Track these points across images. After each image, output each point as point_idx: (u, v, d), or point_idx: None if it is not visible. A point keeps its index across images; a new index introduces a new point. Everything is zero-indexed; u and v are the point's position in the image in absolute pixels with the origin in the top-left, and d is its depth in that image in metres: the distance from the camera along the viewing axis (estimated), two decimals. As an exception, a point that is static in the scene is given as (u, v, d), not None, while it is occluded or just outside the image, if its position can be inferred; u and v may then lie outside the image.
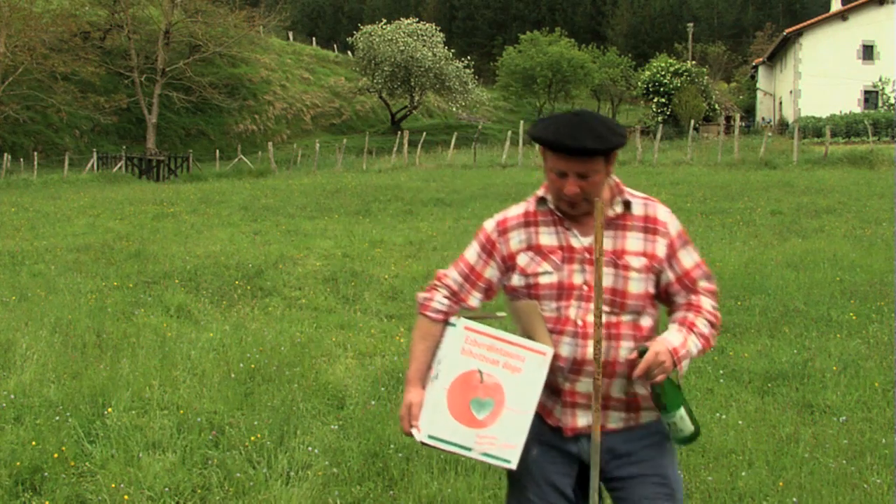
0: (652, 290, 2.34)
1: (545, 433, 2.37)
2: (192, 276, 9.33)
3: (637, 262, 2.30)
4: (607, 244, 2.29)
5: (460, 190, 18.89)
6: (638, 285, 2.30)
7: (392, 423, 4.63)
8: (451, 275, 2.45)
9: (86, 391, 4.97)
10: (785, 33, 47.02)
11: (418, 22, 56.29)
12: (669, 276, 2.35)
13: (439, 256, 10.77)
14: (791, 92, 45.80)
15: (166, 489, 3.81)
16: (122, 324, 7.02)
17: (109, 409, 4.69)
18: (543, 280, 2.31)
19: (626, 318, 2.31)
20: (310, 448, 4.29)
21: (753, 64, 58.47)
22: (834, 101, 41.88)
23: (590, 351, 2.27)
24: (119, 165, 35.73)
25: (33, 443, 4.17)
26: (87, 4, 46.66)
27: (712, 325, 2.34)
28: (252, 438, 4.35)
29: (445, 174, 24.44)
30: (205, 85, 46.34)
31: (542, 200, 2.41)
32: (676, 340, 2.25)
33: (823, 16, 47.44)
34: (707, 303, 2.36)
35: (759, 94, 54.61)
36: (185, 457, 4.19)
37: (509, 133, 32.59)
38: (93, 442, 4.34)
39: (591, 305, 2.27)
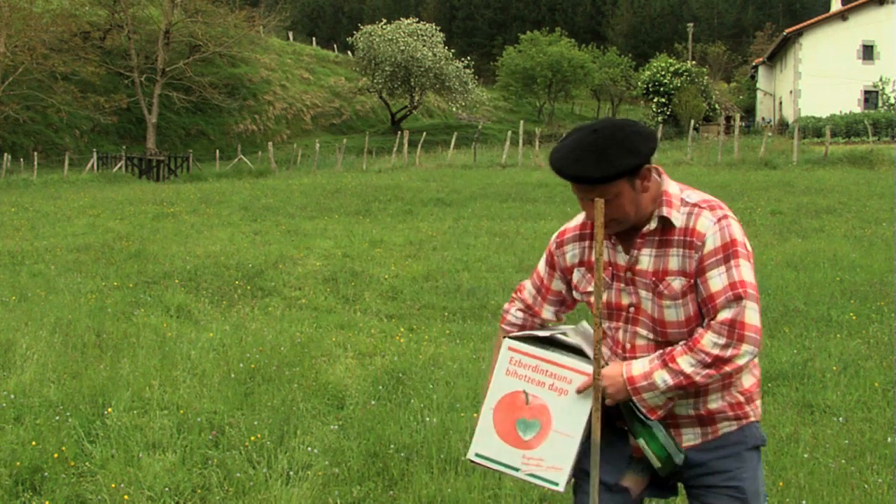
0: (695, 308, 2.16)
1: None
2: (192, 276, 9.33)
3: (678, 283, 2.12)
4: (649, 264, 2.15)
5: (460, 190, 18.89)
6: (675, 312, 2.14)
7: (392, 423, 4.63)
8: (527, 287, 2.44)
9: (86, 391, 4.97)
10: (785, 33, 47.02)
11: (418, 22, 56.29)
12: (699, 294, 2.12)
13: (439, 256, 10.77)
14: (791, 92, 45.81)
15: (166, 489, 3.81)
16: (122, 324, 7.01)
17: (109, 409, 4.69)
18: (594, 299, 2.24)
19: (674, 343, 2.19)
20: (310, 448, 4.29)
21: (753, 64, 58.47)
22: (834, 101, 41.88)
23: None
24: (119, 165, 35.72)
25: (33, 443, 4.17)
26: (87, 4, 46.64)
27: (708, 364, 2.06)
28: (252, 438, 4.35)
29: (445, 174, 24.44)
30: (205, 85, 46.32)
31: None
32: (637, 370, 2.12)
33: (823, 16, 47.45)
34: (709, 340, 2.06)
35: (759, 94, 54.62)
36: (185, 457, 4.19)
37: (509, 133, 32.59)
38: (93, 442, 4.34)
39: (639, 329, 2.20)
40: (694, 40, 57.87)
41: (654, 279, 2.15)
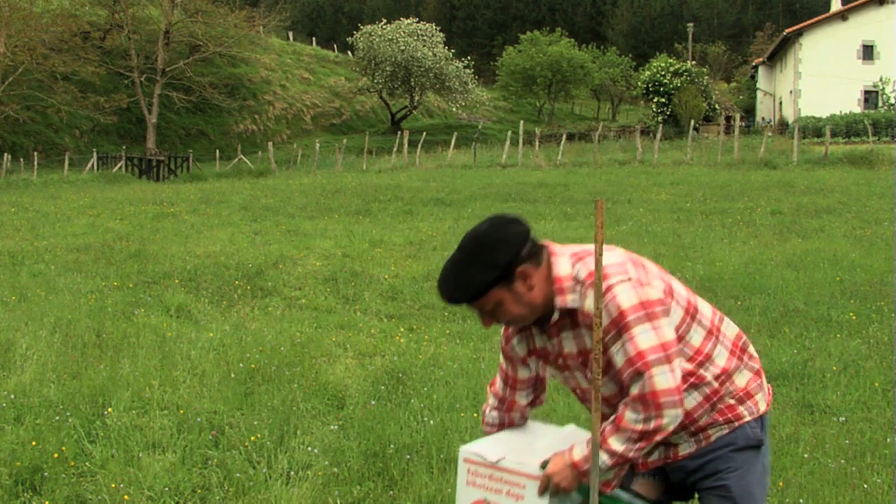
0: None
1: None
2: (192, 276, 9.33)
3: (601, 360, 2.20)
4: (571, 347, 2.22)
5: (460, 190, 18.88)
6: (609, 387, 2.21)
7: (392, 423, 4.63)
8: (497, 382, 2.48)
9: (86, 391, 4.97)
10: (785, 33, 47.03)
11: (418, 22, 56.30)
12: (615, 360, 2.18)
13: (439, 256, 10.77)
14: (791, 92, 45.81)
15: (166, 489, 3.81)
16: (122, 324, 7.01)
17: (109, 409, 4.69)
18: (561, 383, 2.35)
19: (607, 388, 2.26)
20: (310, 448, 4.29)
21: (753, 64, 58.48)
22: (834, 101, 41.89)
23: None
24: (119, 165, 35.71)
25: (33, 443, 4.17)
26: (87, 4, 46.65)
27: (636, 439, 2.10)
28: (252, 438, 4.35)
29: (445, 174, 24.44)
30: (205, 85, 46.33)
31: None
32: (578, 454, 2.14)
33: (823, 16, 47.46)
34: (629, 417, 2.09)
35: (759, 94, 54.62)
36: (185, 457, 4.19)
37: (509, 133, 32.58)
38: (93, 442, 4.34)
39: (593, 404, 2.22)
40: (694, 40, 57.87)
41: (580, 360, 2.21)
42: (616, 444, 2.10)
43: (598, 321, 2.19)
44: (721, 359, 2.24)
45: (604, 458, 2.11)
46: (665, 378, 2.06)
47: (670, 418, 2.07)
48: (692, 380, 2.20)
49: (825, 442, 4.45)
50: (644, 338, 2.07)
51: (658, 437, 2.09)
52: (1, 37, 38.22)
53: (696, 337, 2.21)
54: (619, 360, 2.10)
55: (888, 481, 3.95)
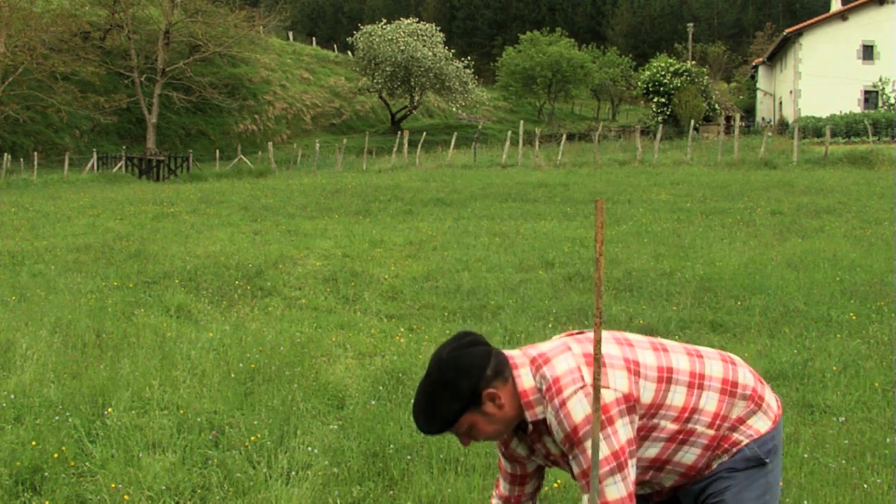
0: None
1: None
2: (192, 276, 9.33)
3: (571, 466, 2.23)
4: (555, 447, 2.26)
5: (460, 190, 18.88)
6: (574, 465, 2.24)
7: (392, 423, 4.63)
8: (501, 485, 2.51)
9: (86, 391, 4.97)
10: (785, 33, 47.02)
11: (418, 22, 56.30)
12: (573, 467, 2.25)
13: (439, 256, 10.78)
14: (791, 92, 45.81)
15: (166, 489, 3.81)
16: (122, 324, 7.01)
17: (109, 409, 4.69)
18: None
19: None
20: (310, 448, 4.29)
21: (753, 64, 58.48)
22: (834, 101, 41.88)
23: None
24: (119, 165, 35.72)
25: (33, 443, 4.17)
26: (87, 4, 46.65)
27: None
28: (252, 438, 4.35)
29: (445, 174, 24.44)
30: (205, 85, 46.33)
31: None
32: None
33: (823, 16, 47.45)
34: None
35: (759, 94, 54.62)
36: (185, 457, 4.19)
37: (509, 133, 32.58)
38: (93, 442, 4.34)
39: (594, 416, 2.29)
40: (694, 40, 57.87)
41: (565, 460, 2.25)
42: None
43: (598, 321, 2.18)
44: (711, 404, 2.27)
45: None
46: (615, 488, 2.12)
47: None
48: (681, 437, 2.25)
49: (825, 442, 4.46)
50: (590, 451, 2.11)
51: None
52: (1, 37, 38.22)
53: (678, 396, 2.24)
54: (575, 470, 2.19)
55: (888, 481, 3.95)
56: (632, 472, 2.15)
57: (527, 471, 2.44)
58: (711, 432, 2.26)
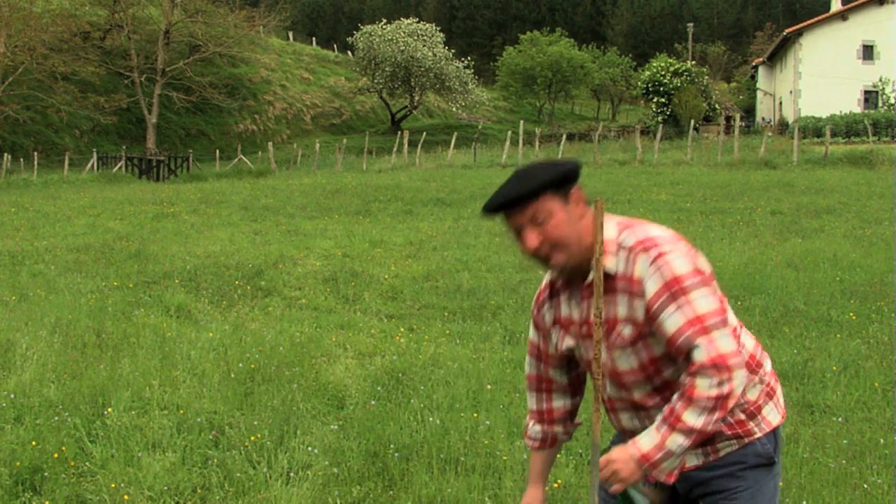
0: (658, 352, 2.07)
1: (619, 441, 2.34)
2: (192, 276, 9.33)
3: (628, 330, 2.08)
4: (606, 312, 2.11)
5: (460, 190, 18.89)
6: (626, 361, 2.11)
7: (392, 423, 4.63)
8: (527, 395, 2.43)
9: (86, 391, 4.97)
10: (785, 33, 47.02)
11: (418, 22, 56.28)
12: (661, 341, 2.05)
13: (439, 256, 10.78)
14: (791, 92, 45.81)
15: (166, 489, 3.81)
16: (122, 324, 7.01)
17: (109, 409, 4.69)
18: (577, 355, 2.25)
19: (638, 393, 2.15)
20: (310, 448, 4.29)
21: (753, 64, 58.47)
22: (834, 101, 41.87)
23: (624, 423, 2.22)
24: (119, 165, 35.71)
25: (33, 443, 4.17)
26: (87, 4, 46.64)
27: (712, 408, 1.97)
28: (252, 438, 4.35)
29: (445, 174, 24.44)
30: (205, 85, 46.33)
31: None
32: (648, 444, 2.01)
33: (823, 16, 47.44)
34: (702, 384, 1.96)
35: (759, 94, 54.62)
36: (185, 457, 4.19)
37: (509, 133, 32.58)
38: (93, 442, 4.34)
39: (606, 381, 2.18)
40: (694, 40, 57.88)
41: (605, 328, 2.11)
42: (692, 420, 1.96)
43: (599, 321, 2.18)
44: None
45: (679, 440, 1.97)
46: (727, 341, 1.97)
47: (739, 380, 1.98)
48: None
49: (825, 442, 4.46)
50: (703, 302, 1.98)
51: (731, 403, 1.98)
52: (1, 37, 38.22)
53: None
54: (671, 325, 1.98)
55: (888, 481, 3.95)
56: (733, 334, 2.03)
57: (548, 350, 2.31)
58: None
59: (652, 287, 2.00)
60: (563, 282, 2.22)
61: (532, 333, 2.37)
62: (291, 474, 4.01)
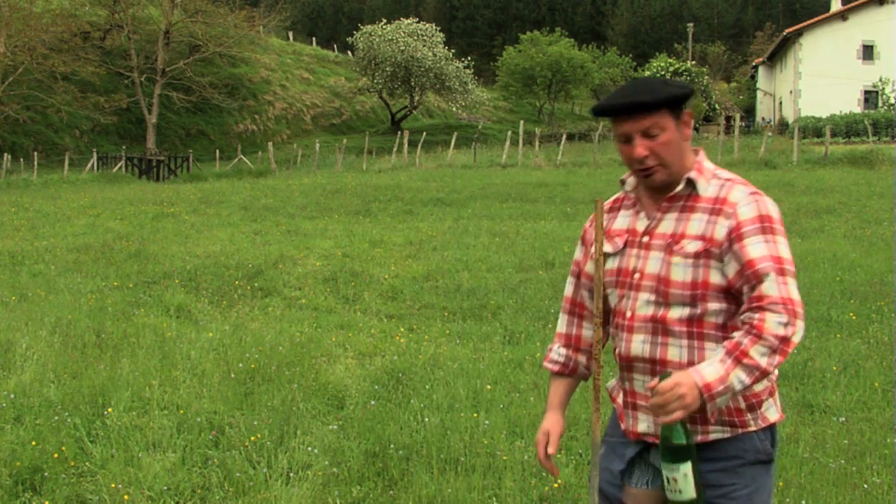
0: (715, 279, 2.05)
1: (615, 434, 2.27)
2: (192, 276, 9.33)
3: (692, 245, 2.06)
4: (668, 227, 2.12)
5: (460, 190, 18.88)
6: (682, 272, 2.07)
7: (392, 423, 4.63)
8: (559, 319, 2.41)
9: (86, 391, 4.97)
10: (785, 33, 47.03)
11: (418, 22, 56.25)
12: (732, 266, 2.02)
13: (439, 256, 10.77)
14: (791, 92, 45.81)
15: (166, 489, 3.81)
16: (121, 324, 7.01)
17: (109, 409, 4.69)
18: (607, 265, 2.20)
19: (674, 312, 2.08)
20: (310, 448, 4.29)
21: (753, 64, 58.48)
22: (834, 101, 41.88)
23: (634, 346, 2.13)
24: (119, 165, 35.71)
25: (33, 443, 4.17)
26: (87, 4, 46.64)
27: (775, 349, 1.94)
28: (252, 438, 4.35)
29: (445, 174, 24.44)
30: (205, 85, 46.31)
31: (622, 183, 2.29)
32: (713, 374, 1.93)
33: (823, 16, 47.46)
34: (772, 322, 1.93)
35: (759, 94, 54.62)
36: (185, 457, 4.19)
37: (509, 133, 32.57)
38: (93, 442, 4.34)
39: (641, 294, 2.13)
40: (694, 40, 57.88)
41: (670, 240, 2.11)
42: (758, 356, 1.92)
43: (599, 321, 2.18)
44: None
45: (742, 376, 1.92)
46: (796, 291, 1.99)
47: (801, 332, 1.97)
48: (721, 333, 2.11)
49: (825, 442, 4.46)
50: (784, 248, 2.04)
51: (789, 351, 1.97)
52: (1, 37, 38.21)
53: None
54: (755, 250, 1.99)
55: (888, 481, 3.95)
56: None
57: (585, 268, 2.31)
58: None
59: (747, 212, 2.04)
60: (633, 197, 2.26)
61: (577, 251, 2.38)
62: (291, 474, 4.01)
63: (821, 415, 4.96)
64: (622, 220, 2.25)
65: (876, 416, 4.90)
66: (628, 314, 2.15)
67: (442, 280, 9.37)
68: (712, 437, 2.11)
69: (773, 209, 2.07)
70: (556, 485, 3.86)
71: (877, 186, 17.63)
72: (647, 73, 47.33)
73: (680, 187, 2.13)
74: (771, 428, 2.17)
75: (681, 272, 2.08)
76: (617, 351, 2.20)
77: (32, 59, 38.68)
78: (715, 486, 2.09)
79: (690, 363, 2.06)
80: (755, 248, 2.00)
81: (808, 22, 47.07)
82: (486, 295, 8.58)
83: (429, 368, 5.83)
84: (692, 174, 2.13)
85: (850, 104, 42.69)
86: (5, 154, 34.88)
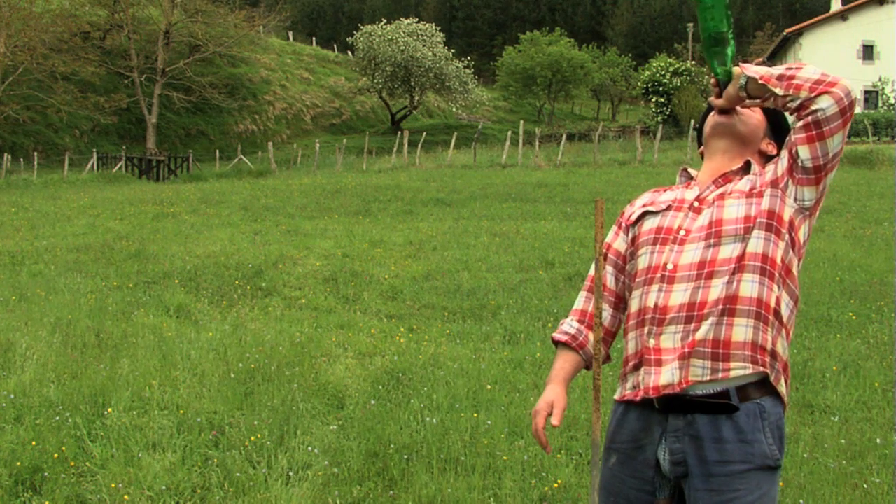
0: (765, 206, 2.12)
1: (623, 439, 2.18)
2: (192, 276, 9.33)
3: (745, 185, 2.19)
4: (717, 192, 2.21)
5: (460, 190, 18.88)
6: (736, 209, 2.13)
7: (392, 423, 4.63)
8: (578, 298, 2.40)
9: (86, 391, 4.97)
10: (785, 33, 47.05)
11: (418, 22, 56.24)
12: (783, 164, 2.18)
13: (439, 256, 10.77)
14: (791, 92, 45.75)
15: (166, 489, 3.81)
16: (121, 324, 7.02)
17: (109, 409, 4.69)
18: (645, 226, 2.24)
19: (724, 251, 2.09)
20: (310, 448, 4.29)
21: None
22: (834, 102, 41.83)
23: (673, 297, 2.09)
24: (119, 165, 35.71)
25: (33, 443, 4.17)
26: (87, 4, 46.60)
27: (819, 79, 2.22)
28: (252, 438, 4.35)
29: (445, 174, 24.44)
30: (205, 85, 46.31)
31: (683, 171, 2.39)
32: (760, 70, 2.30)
33: (823, 16, 47.46)
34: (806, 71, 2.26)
35: (759, 94, 54.53)
36: (185, 457, 4.19)
37: (509, 133, 32.57)
38: (93, 442, 4.34)
39: (687, 246, 2.14)
40: (694, 40, 57.87)
41: (720, 199, 2.18)
42: (806, 71, 2.24)
43: (599, 321, 2.19)
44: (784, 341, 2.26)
45: (777, 70, 2.31)
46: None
47: (841, 93, 2.16)
48: (778, 325, 2.20)
49: (825, 442, 4.46)
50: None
51: (830, 89, 2.18)
52: (1, 37, 38.20)
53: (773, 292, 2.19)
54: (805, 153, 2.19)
55: (888, 481, 3.95)
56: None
57: (613, 244, 2.34)
58: (781, 350, 2.26)
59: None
60: (686, 181, 2.35)
61: (610, 234, 2.38)
62: (291, 474, 4.01)
63: (821, 415, 4.96)
64: (668, 195, 2.30)
65: (876, 416, 4.90)
66: (670, 266, 2.14)
67: (442, 280, 9.37)
68: (733, 373, 2.09)
69: None
70: (556, 485, 3.87)
71: (877, 186, 17.63)
72: (647, 73, 47.31)
73: (738, 166, 2.25)
74: (780, 429, 2.14)
75: (734, 210, 2.14)
76: (648, 305, 2.14)
77: (32, 59, 38.67)
78: (718, 490, 2.03)
79: (728, 298, 2.07)
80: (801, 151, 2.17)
81: (808, 22, 47.07)
82: (486, 295, 8.58)
83: (429, 368, 5.83)
84: (753, 159, 2.27)
85: (850, 104, 42.66)
86: (5, 154, 34.88)
